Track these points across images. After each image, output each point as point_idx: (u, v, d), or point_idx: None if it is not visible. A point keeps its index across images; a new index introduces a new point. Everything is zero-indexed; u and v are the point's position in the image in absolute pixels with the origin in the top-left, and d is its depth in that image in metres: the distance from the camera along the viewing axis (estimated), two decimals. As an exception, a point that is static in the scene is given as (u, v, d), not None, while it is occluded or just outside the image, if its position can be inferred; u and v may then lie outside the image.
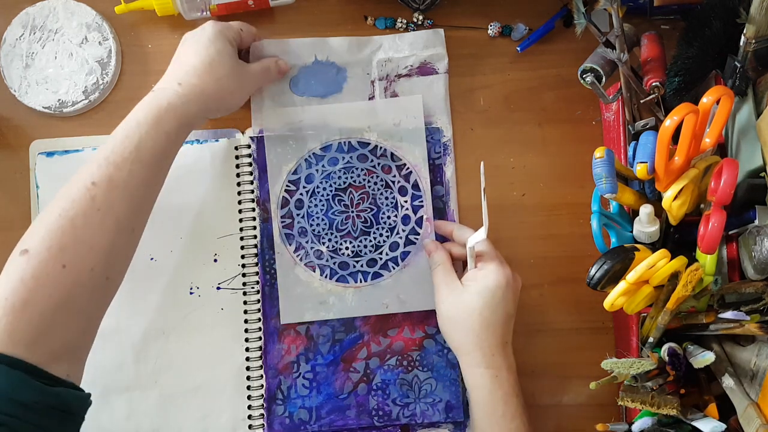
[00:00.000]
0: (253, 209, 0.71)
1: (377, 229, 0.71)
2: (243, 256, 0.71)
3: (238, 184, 0.71)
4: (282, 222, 0.71)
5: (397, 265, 0.71)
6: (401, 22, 0.73)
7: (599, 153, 0.58)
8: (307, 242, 0.71)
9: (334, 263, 0.71)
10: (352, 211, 0.71)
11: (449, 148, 0.72)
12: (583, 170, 0.67)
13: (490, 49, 0.73)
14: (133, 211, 0.58)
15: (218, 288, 0.70)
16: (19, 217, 0.71)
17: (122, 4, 0.71)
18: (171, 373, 0.69)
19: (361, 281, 0.71)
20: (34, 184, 0.71)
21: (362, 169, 0.72)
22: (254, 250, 0.71)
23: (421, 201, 0.72)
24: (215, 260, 0.71)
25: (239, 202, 0.71)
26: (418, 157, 0.72)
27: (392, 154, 0.72)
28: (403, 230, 0.71)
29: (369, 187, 0.72)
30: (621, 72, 0.64)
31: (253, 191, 0.71)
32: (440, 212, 0.72)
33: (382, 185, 0.72)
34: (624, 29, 0.62)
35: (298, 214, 0.71)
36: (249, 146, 0.72)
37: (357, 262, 0.71)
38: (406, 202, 0.72)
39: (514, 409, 0.61)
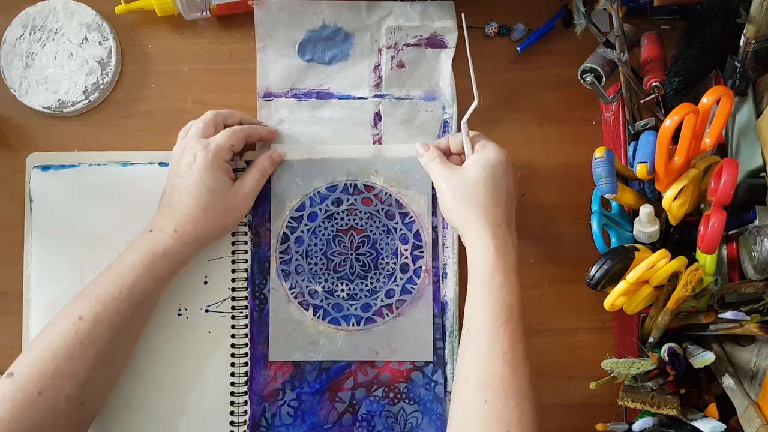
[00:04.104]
0: (246, 233, 0.70)
1: (375, 274, 0.70)
2: (233, 280, 0.70)
3: None
4: (280, 258, 0.70)
5: (392, 312, 0.70)
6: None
7: (599, 153, 0.58)
8: (303, 280, 0.70)
9: (328, 304, 0.70)
10: (351, 254, 0.70)
11: (450, 124, 0.72)
12: (583, 170, 0.67)
13: (489, 49, 0.73)
14: (115, 344, 0.61)
15: (206, 311, 0.69)
16: (18, 218, 0.70)
17: (122, 4, 0.71)
18: (154, 394, 0.68)
19: (353, 325, 0.70)
20: (28, 198, 0.70)
21: (365, 213, 0.71)
22: (245, 275, 0.70)
23: (422, 251, 0.70)
24: (205, 282, 0.70)
25: None
26: (422, 206, 0.71)
27: (397, 200, 0.71)
28: (401, 278, 0.70)
29: (370, 231, 0.71)
30: (621, 72, 0.64)
31: (246, 215, 0.70)
32: (433, 242, 0.71)
33: (383, 231, 0.71)
34: (624, 29, 0.62)
35: (297, 252, 0.70)
36: (245, 170, 0.71)
37: (351, 305, 0.70)
38: (406, 250, 0.70)
39: (512, 284, 0.60)
